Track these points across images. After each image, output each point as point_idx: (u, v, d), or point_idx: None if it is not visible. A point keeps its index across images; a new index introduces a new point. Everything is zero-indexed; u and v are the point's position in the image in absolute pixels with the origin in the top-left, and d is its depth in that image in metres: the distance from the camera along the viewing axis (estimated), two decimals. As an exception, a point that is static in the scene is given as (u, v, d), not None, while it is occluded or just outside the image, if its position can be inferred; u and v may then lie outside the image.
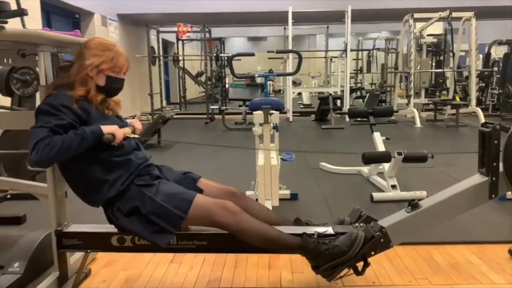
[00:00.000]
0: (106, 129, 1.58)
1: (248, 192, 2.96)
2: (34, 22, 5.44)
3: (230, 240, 1.68)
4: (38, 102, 1.73)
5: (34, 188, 1.88)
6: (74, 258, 1.94)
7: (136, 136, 1.73)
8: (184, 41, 10.78)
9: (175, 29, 8.80)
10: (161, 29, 9.62)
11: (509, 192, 1.73)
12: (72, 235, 1.75)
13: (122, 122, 1.76)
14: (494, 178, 1.65)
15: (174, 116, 6.93)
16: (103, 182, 1.60)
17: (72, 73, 1.66)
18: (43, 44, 1.66)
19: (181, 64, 10.75)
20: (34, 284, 1.78)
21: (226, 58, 10.05)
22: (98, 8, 8.05)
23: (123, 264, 2.09)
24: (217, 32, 11.35)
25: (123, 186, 1.60)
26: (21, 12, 1.72)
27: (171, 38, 11.47)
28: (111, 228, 1.77)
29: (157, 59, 9.46)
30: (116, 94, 1.78)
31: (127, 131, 1.68)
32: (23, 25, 3.50)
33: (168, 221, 1.57)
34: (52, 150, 1.47)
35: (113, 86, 1.71)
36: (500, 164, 1.66)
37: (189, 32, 8.77)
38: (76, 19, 7.89)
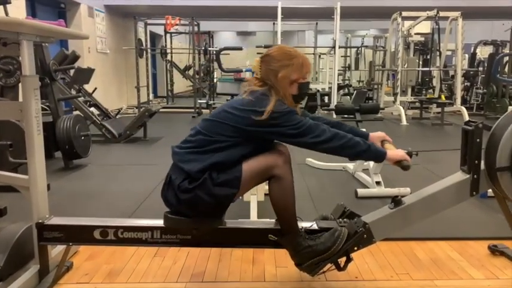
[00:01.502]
0: (397, 155, 1.64)
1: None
2: (18, 11, 5.33)
3: (214, 235, 1.68)
4: (20, 93, 1.70)
5: (15, 180, 1.85)
6: (56, 251, 1.91)
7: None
8: (173, 34, 10.69)
9: (163, 21, 8.71)
10: (149, 21, 9.52)
11: (490, 190, 1.76)
12: (53, 228, 1.73)
13: None
14: (475, 176, 1.68)
15: (161, 110, 6.88)
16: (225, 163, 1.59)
17: (281, 91, 1.62)
18: (25, 32, 1.62)
19: (169, 57, 10.66)
20: (14, 277, 1.74)
21: (214, 52, 9.99)
22: (85, -2, 7.93)
23: (106, 257, 2.08)
24: (206, 25, 11.28)
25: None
26: (4, 1, 1.69)
27: (159, 30, 11.37)
28: (93, 221, 1.76)
29: (144, 52, 9.37)
30: (304, 98, 1.77)
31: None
32: (6, 13, 3.43)
33: (228, 185, 1.57)
34: (339, 142, 1.57)
35: (303, 92, 1.71)
36: (482, 162, 1.69)
37: (177, 25, 8.69)
38: (62, 9, 7.76)
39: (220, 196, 1.58)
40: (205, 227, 1.68)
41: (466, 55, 9.91)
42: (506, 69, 8.19)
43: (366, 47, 11.92)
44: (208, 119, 1.67)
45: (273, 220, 1.75)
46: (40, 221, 1.73)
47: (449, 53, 8.97)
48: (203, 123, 1.68)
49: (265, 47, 4.14)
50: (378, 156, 1.63)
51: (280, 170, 1.61)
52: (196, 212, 1.62)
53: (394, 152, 1.66)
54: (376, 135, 1.81)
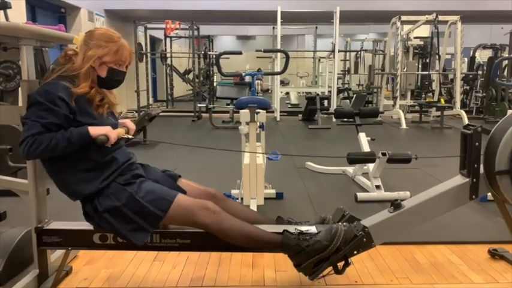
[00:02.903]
0: (99, 130, 1.56)
1: (233, 191, 2.96)
2: (18, 15, 5.35)
3: (214, 239, 1.68)
4: (20, 97, 1.70)
5: (14, 184, 1.85)
6: (55, 255, 1.91)
7: (130, 136, 1.71)
8: (172, 38, 10.71)
9: (163, 25, 8.73)
10: (149, 25, 9.54)
11: (490, 193, 1.76)
12: (53, 232, 1.72)
13: (115, 121, 1.74)
14: (475, 179, 1.68)
15: (161, 114, 6.89)
16: (84, 177, 1.59)
17: (77, 64, 1.61)
18: (25, 37, 1.62)
19: (168, 61, 10.68)
20: (13, 281, 1.74)
21: (214, 56, 10.01)
22: (85, 2, 7.95)
23: (105, 262, 2.07)
24: (205, 29, 11.31)
25: (103, 184, 1.59)
26: (4, 5, 1.70)
27: (159, 34, 11.38)
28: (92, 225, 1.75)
29: (144, 56, 9.39)
30: (116, 87, 1.74)
31: (121, 131, 1.66)
32: (6, 18, 3.44)
33: (147, 219, 1.57)
34: (38, 148, 1.48)
35: (114, 79, 1.68)
36: (481, 166, 1.69)
37: (177, 29, 8.71)
38: (62, 13, 7.78)
39: (136, 226, 1.58)
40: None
41: (465, 59, 9.93)
42: (505, 73, 8.21)
43: (366, 50, 11.97)
44: None
45: (272, 225, 1.75)
46: (39, 225, 1.73)
47: (448, 56, 8.99)
48: None
49: (265, 51, 4.14)
50: (82, 136, 1.53)
51: (211, 226, 1.60)
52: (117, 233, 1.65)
53: (95, 128, 1.56)
54: (121, 121, 1.81)
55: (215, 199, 1.74)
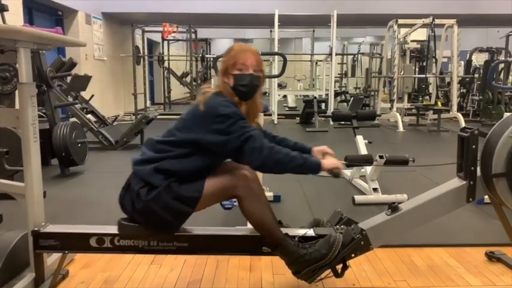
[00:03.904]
0: (329, 164, 1.61)
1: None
2: (15, 18, 5.34)
3: (211, 242, 1.68)
4: (17, 100, 1.69)
5: (11, 188, 1.84)
6: (52, 259, 1.90)
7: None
8: (170, 41, 10.72)
9: (160, 28, 8.75)
10: (146, 28, 9.55)
11: (486, 196, 1.76)
12: (49, 235, 1.71)
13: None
14: (472, 182, 1.68)
15: (158, 117, 6.87)
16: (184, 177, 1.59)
17: (219, 84, 1.67)
18: (22, 40, 1.62)
19: (166, 64, 10.68)
20: (9, 285, 1.73)
21: (211, 59, 10.02)
22: (82, 5, 7.96)
23: (102, 265, 2.06)
24: (203, 32, 11.33)
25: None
26: (1, 8, 1.70)
27: (157, 37, 11.39)
28: (90, 228, 1.75)
29: (142, 59, 9.39)
30: (248, 94, 1.67)
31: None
32: (3, 20, 3.44)
33: (185, 202, 1.57)
34: (272, 159, 1.53)
35: (240, 84, 1.63)
36: (478, 169, 1.69)
37: (174, 32, 8.73)
38: (59, 16, 7.77)
39: (176, 211, 1.57)
40: (160, 235, 1.67)
41: (462, 62, 9.97)
42: (501, 76, 8.24)
43: (363, 54, 12.00)
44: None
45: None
46: (36, 228, 1.72)
47: (445, 60, 9.04)
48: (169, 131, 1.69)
49: (263, 54, 4.14)
50: (314, 167, 1.59)
51: (242, 190, 1.60)
52: (149, 223, 1.62)
53: (327, 160, 1.64)
54: (319, 149, 1.80)
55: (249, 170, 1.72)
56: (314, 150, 1.78)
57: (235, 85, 1.64)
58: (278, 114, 8.20)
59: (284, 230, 1.69)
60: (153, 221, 1.60)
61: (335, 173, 1.62)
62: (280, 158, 1.54)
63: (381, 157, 3.00)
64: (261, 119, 2.62)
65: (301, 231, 1.72)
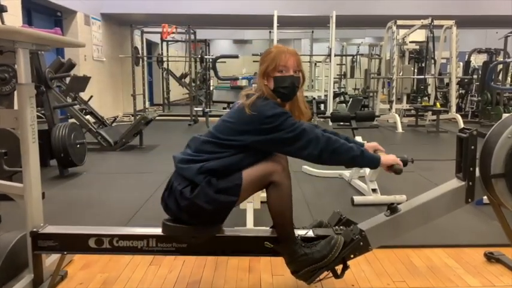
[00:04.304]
0: (389, 160, 1.64)
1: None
2: (14, 19, 5.34)
3: (210, 243, 1.67)
4: (15, 101, 1.69)
5: (9, 188, 1.83)
6: (50, 260, 1.89)
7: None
8: (169, 42, 10.72)
9: (159, 29, 8.74)
10: (145, 29, 9.54)
11: (485, 197, 1.76)
12: (48, 236, 1.71)
13: None
14: (470, 183, 1.69)
15: (157, 118, 6.87)
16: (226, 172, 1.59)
17: (259, 87, 1.67)
18: (21, 40, 1.62)
19: (165, 65, 10.68)
20: (7, 286, 1.72)
21: (210, 60, 10.03)
22: (81, 6, 7.95)
23: (101, 266, 2.06)
24: (202, 33, 11.32)
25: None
26: (0, 9, 1.70)
27: (156, 38, 11.40)
28: (88, 229, 1.75)
29: (141, 60, 9.38)
30: (289, 95, 1.69)
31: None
32: (2, 21, 3.43)
33: (228, 192, 1.57)
34: (329, 148, 1.55)
35: (280, 86, 1.65)
36: (477, 169, 1.69)
37: (173, 33, 8.72)
38: (58, 17, 7.77)
39: (221, 203, 1.57)
40: (204, 234, 1.67)
41: (461, 63, 9.99)
42: (500, 77, 8.26)
43: (362, 55, 12.01)
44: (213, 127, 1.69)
45: (269, 228, 1.75)
46: (34, 229, 1.71)
47: (443, 61, 9.04)
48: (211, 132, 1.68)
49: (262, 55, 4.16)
50: (373, 161, 1.63)
51: (278, 176, 1.60)
52: (196, 220, 1.61)
53: (386, 156, 1.67)
54: (370, 145, 1.80)
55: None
56: (366, 145, 1.79)
57: (276, 87, 1.65)
58: (277, 115, 8.18)
59: None
60: (200, 216, 1.59)
61: (396, 169, 1.63)
62: (337, 148, 1.57)
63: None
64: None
65: (302, 232, 1.72)
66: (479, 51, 9.23)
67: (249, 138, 1.58)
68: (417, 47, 8.75)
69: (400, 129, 7.12)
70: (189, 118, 8.25)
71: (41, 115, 4.10)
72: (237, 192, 1.58)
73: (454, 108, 7.54)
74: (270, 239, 1.69)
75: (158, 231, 1.69)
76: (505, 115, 1.88)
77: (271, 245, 1.67)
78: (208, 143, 1.63)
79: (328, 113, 7.65)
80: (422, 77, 8.21)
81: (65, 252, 1.79)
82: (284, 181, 1.61)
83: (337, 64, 11.98)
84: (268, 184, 1.62)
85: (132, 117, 8.27)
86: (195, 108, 8.10)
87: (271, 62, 1.65)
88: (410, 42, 8.63)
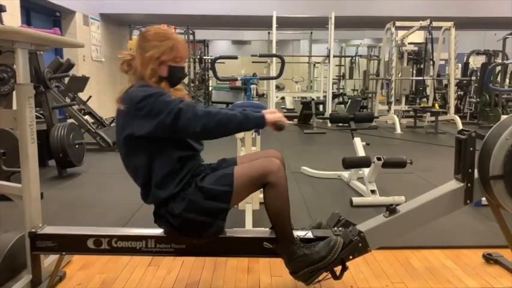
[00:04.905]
0: (273, 116, 1.56)
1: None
2: (13, 19, 5.33)
3: (209, 244, 1.67)
4: (14, 101, 1.69)
5: (8, 189, 1.83)
6: (49, 261, 1.89)
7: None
8: (168, 43, 10.69)
9: (158, 30, 8.72)
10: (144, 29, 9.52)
11: (484, 198, 1.76)
12: (46, 237, 1.71)
13: None
14: (469, 184, 1.69)
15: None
16: (161, 182, 1.57)
17: (138, 69, 1.61)
18: (20, 40, 1.61)
19: (164, 66, 10.65)
20: (6, 287, 1.72)
21: (209, 61, 10.02)
22: (80, 6, 7.94)
23: (100, 267, 2.06)
24: (201, 34, 11.33)
25: (178, 188, 1.57)
26: (-2, 8, 1.70)
27: (155, 39, 11.37)
28: (87, 230, 1.75)
29: (140, 60, 9.36)
30: (178, 83, 1.72)
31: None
32: (1, 21, 3.43)
33: (219, 199, 1.55)
34: (214, 119, 1.47)
35: (175, 75, 1.66)
36: (475, 171, 1.70)
37: (172, 33, 8.70)
38: (57, 17, 7.75)
39: (212, 210, 1.56)
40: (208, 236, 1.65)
41: (459, 64, 10.01)
42: (498, 79, 8.28)
43: (360, 56, 12.03)
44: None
45: (268, 229, 1.75)
46: (33, 230, 1.71)
47: (442, 62, 9.05)
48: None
49: (261, 56, 4.17)
50: (258, 121, 1.55)
51: (274, 176, 1.58)
52: (195, 233, 1.61)
53: (271, 114, 1.58)
54: (270, 111, 1.70)
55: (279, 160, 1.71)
56: (264, 111, 1.68)
57: (171, 76, 1.64)
58: (276, 116, 8.18)
59: None
60: (197, 229, 1.58)
61: (279, 125, 1.56)
62: (219, 119, 1.49)
63: (378, 159, 3.02)
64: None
65: (301, 233, 1.72)
66: (478, 53, 9.24)
67: (140, 130, 1.52)
68: (416, 48, 8.76)
69: (398, 130, 7.12)
70: (187, 119, 8.22)
71: (39, 115, 4.09)
72: (228, 199, 1.56)
73: (452, 110, 7.55)
74: (269, 240, 1.68)
75: (157, 232, 1.69)
76: (503, 117, 1.89)
77: (270, 245, 1.67)
78: (132, 168, 1.62)
79: (327, 114, 7.65)
80: (421, 78, 8.22)
81: (64, 253, 1.78)
82: (280, 181, 1.60)
83: (336, 65, 12.01)
84: (265, 185, 1.61)
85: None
86: (194, 109, 8.09)
87: (168, 51, 1.61)
88: (409, 43, 8.64)
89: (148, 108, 1.50)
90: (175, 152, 1.58)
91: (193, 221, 1.56)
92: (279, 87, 11.76)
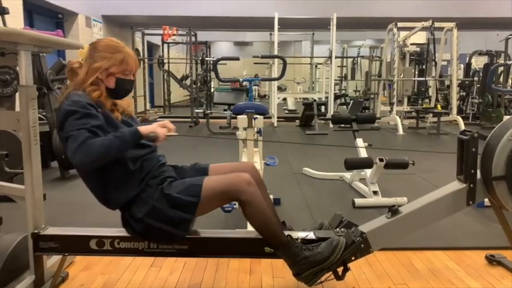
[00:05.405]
0: (148, 128, 1.57)
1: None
2: (15, 21, 5.35)
3: (211, 245, 1.67)
4: (17, 103, 1.69)
5: (11, 190, 1.84)
6: (51, 261, 1.90)
7: (175, 134, 1.66)
8: (170, 44, 10.73)
9: (160, 31, 8.76)
10: (146, 31, 9.57)
11: (487, 199, 1.76)
12: (49, 238, 1.71)
13: (135, 124, 1.71)
14: (471, 185, 1.68)
15: (158, 119, 6.88)
16: (118, 187, 1.58)
17: (81, 76, 1.62)
18: (23, 42, 1.62)
19: (166, 67, 10.69)
20: (9, 287, 1.73)
21: (211, 62, 10.04)
22: (82, 8, 7.97)
23: (102, 268, 2.06)
24: (203, 35, 11.34)
25: (137, 190, 1.58)
26: (2, 11, 1.70)
27: (157, 40, 11.41)
28: (89, 231, 1.75)
29: (142, 62, 9.39)
30: (126, 96, 1.74)
31: (169, 127, 1.64)
32: (4, 23, 3.44)
33: (184, 209, 1.56)
34: (93, 153, 1.44)
35: (123, 88, 1.68)
36: (478, 171, 1.69)
37: (174, 35, 8.74)
38: (59, 19, 7.78)
39: (175, 219, 1.57)
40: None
41: (461, 65, 9.99)
42: (501, 79, 8.26)
43: (362, 57, 12.02)
44: None
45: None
46: (36, 231, 1.71)
47: (444, 63, 9.04)
48: None
49: (262, 57, 4.17)
50: (133, 135, 1.53)
51: (246, 194, 1.58)
52: (156, 238, 1.64)
53: (145, 127, 1.58)
54: (160, 123, 1.66)
55: (252, 172, 1.72)
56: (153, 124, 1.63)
57: (118, 88, 1.65)
58: (278, 117, 8.20)
59: (286, 232, 1.69)
60: (158, 236, 1.61)
61: (150, 137, 1.56)
62: (97, 151, 1.45)
63: (381, 160, 3.01)
64: (261, 121, 2.63)
65: (303, 234, 1.72)
66: (480, 54, 9.23)
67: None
68: (418, 49, 8.75)
69: (400, 131, 7.11)
70: (189, 120, 8.25)
71: (42, 117, 4.10)
72: (193, 210, 1.57)
73: (455, 111, 7.53)
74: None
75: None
76: (506, 117, 1.88)
77: (271, 250, 1.67)
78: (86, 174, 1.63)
79: (329, 115, 7.65)
80: (423, 79, 8.22)
81: (66, 254, 1.79)
82: (253, 197, 1.59)
83: (338, 66, 11.99)
84: (237, 200, 1.62)
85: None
86: (196, 110, 8.11)
87: (118, 64, 1.62)
88: (411, 44, 8.63)
89: (62, 135, 1.51)
90: (127, 152, 1.58)
91: (155, 228, 1.57)
92: (280, 89, 11.74)
